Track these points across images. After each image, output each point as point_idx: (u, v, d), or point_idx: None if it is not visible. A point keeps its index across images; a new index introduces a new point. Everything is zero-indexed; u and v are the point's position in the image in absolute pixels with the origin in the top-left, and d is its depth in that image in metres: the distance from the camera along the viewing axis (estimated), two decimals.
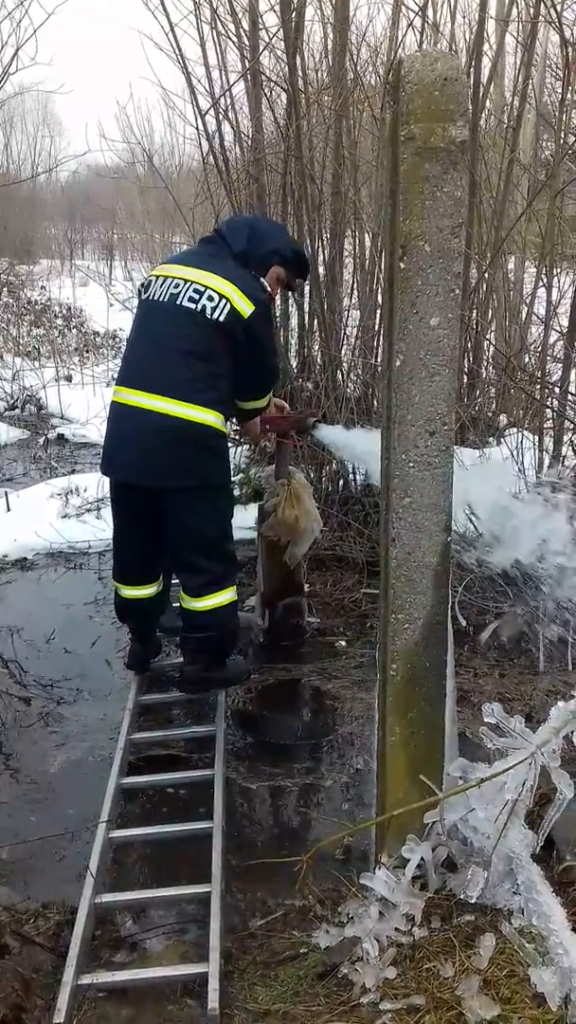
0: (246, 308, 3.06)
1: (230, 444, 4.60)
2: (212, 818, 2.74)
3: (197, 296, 3.07)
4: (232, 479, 3.34)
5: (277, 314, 3.78)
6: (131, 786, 3.05)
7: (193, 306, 3.06)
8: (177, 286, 3.12)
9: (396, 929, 2.09)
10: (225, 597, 3.30)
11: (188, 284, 3.11)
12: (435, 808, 2.12)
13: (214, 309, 3.05)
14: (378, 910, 2.14)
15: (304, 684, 3.78)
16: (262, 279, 3.27)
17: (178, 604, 3.41)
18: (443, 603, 2.21)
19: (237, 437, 5.61)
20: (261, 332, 3.15)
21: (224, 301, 3.05)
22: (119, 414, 3.17)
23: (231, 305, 3.05)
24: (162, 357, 3.10)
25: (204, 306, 3.05)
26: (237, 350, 3.11)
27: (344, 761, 3.24)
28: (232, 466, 3.34)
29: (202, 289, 3.08)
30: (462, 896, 2.12)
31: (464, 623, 4.06)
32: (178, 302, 3.09)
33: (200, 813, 2.86)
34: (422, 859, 2.15)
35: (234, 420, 3.51)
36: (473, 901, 2.10)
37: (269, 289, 3.30)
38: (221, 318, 3.04)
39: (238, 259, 3.23)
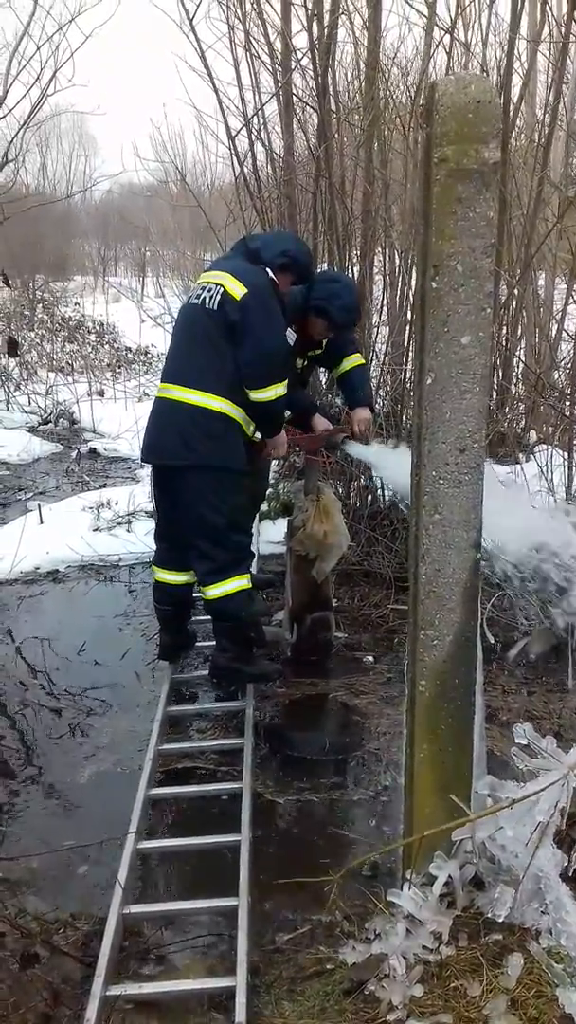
0: (238, 290, 3.25)
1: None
2: (239, 831, 2.75)
3: (203, 291, 3.36)
4: (245, 468, 3.39)
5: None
6: (159, 797, 3.07)
7: (198, 301, 3.36)
8: (197, 288, 3.46)
9: (423, 947, 2.09)
10: (232, 586, 3.41)
11: (201, 285, 3.43)
12: (464, 826, 2.12)
13: (211, 299, 3.31)
14: (405, 927, 2.14)
15: (331, 699, 3.79)
16: (268, 271, 3.40)
17: None
18: (473, 620, 2.21)
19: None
20: (255, 315, 3.25)
21: (219, 288, 3.30)
22: (153, 406, 3.51)
23: (224, 290, 3.28)
24: (179, 351, 3.45)
25: (205, 299, 3.33)
26: (233, 334, 3.26)
27: (371, 777, 3.24)
28: (243, 454, 3.40)
29: (207, 285, 3.37)
30: (490, 915, 2.11)
31: (492, 640, 4.04)
32: (192, 300, 3.42)
33: (227, 826, 2.86)
34: (450, 876, 2.15)
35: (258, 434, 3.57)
36: (501, 920, 2.09)
37: (275, 280, 3.40)
38: (216, 306, 3.29)
39: (249, 257, 3.44)
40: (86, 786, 3.24)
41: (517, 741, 2.20)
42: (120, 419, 8.91)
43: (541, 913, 2.08)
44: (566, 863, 2.11)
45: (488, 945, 2.07)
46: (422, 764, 2.26)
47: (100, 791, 3.21)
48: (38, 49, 7.62)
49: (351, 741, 3.49)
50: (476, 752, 2.29)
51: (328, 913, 2.44)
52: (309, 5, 4.93)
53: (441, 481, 2.14)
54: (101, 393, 10.57)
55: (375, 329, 5.63)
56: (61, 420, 9.78)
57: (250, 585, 3.51)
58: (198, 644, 4.03)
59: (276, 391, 3.35)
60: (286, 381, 3.40)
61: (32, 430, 9.31)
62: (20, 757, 3.44)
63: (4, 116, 7.91)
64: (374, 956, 2.13)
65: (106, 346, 14.28)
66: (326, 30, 4.94)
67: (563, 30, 5.30)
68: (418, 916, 2.13)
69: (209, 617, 3.67)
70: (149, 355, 13.11)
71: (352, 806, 3.09)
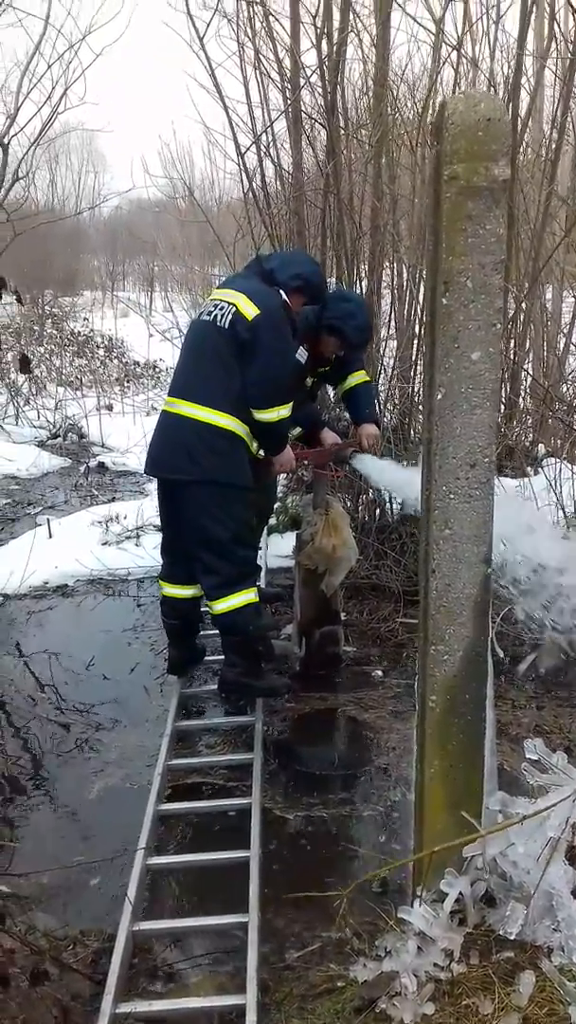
0: (250, 311, 3.27)
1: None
2: (249, 847, 2.75)
3: (214, 309, 3.38)
4: (250, 484, 3.40)
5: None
6: (169, 813, 3.07)
7: (209, 318, 3.37)
8: (208, 305, 3.46)
9: (434, 964, 2.08)
10: (239, 600, 3.42)
11: (213, 301, 3.44)
12: (475, 842, 2.11)
13: (223, 317, 3.32)
14: (416, 944, 2.13)
15: (340, 714, 3.78)
16: (281, 292, 3.42)
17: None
18: (483, 635, 2.21)
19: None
20: (266, 336, 3.27)
21: (231, 307, 3.32)
22: (159, 420, 3.52)
23: (236, 309, 3.29)
24: (187, 366, 3.47)
25: (216, 316, 3.34)
26: (243, 353, 3.28)
27: (381, 792, 3.23)
28: (248, 471, 3.41)
29: (219, 302, 3.39)
30: (501, 932, 2.09)
31: (502, 654, 4.02)
32: (203, 316, 3.43)
33: (237, 841, 2.86)
34: (461, 893, 2.14)
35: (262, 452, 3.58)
36: (513, 937, 2.07)
37: (288, 302, 3.43)
38: (227, 324, 3.30)
39: (263, 277, 3.47)
40: (95, 801, 3.24)
41: (528, 756, 2.20)
42: (128, 433, 8.94)
43: (553, 931, 2.06)
44: None
45: (500, 963, 2.05)
46: (432, 779, 2.25)
47: (109, 806, 3.20)
48: (49, 68, 7.68)
49: (360, 756, 3.48)
50: (487, 767, 2.28)
51: (338, 930, 2.43)
52: (319, 24, 4.98)
53: (452, 496, 2.14)
54: (110, 407, 10.61)
55: (383, 343, 5.64)
56: (70, 434, 9.81)
57: (257, 599, 3.51)
58: (207, 658, 4.03)
59: (280, 412, 3.37)
60: (291, 403, 3.42)
61: (41, 444, 9.33)
62: (29, 772, 3.44)
63: (16, 134, 7.97)
64: (385, 974, 2.12)
65: (114, 360, 14.33)
66: (335, 48, 4.98)
67: (571, 46, 5.33)
68: (429, 933, 2.12)
69: (217, 631, 3.67)
70: (157, 369, 13.16)
71: (362, 821, 3.08)
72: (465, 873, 2.15)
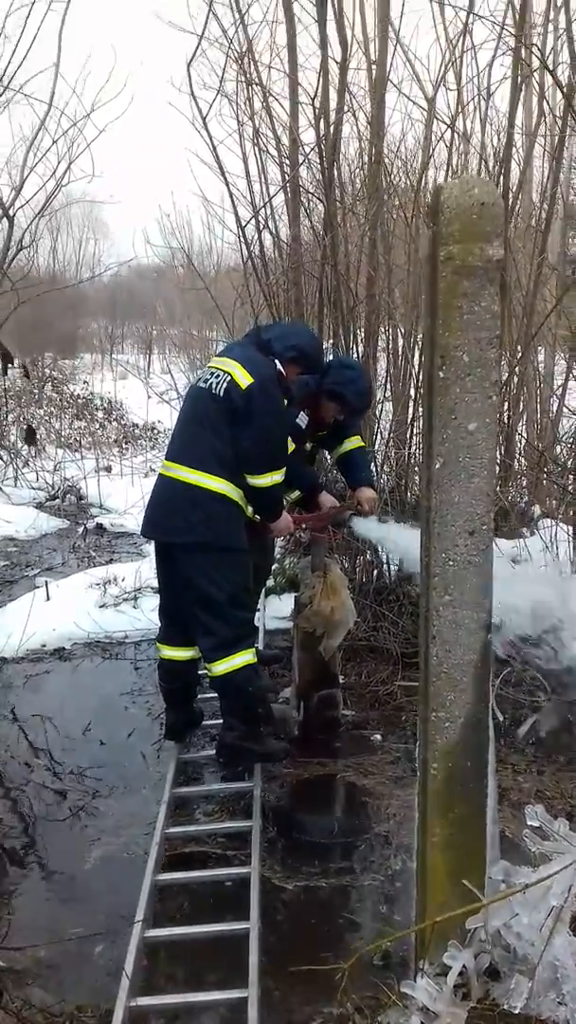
0: (244, 380, 3.34)
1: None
2: (248, 917, 2.70)
3: (210, 377, 3.46)
4: (245, 547, 3.44)
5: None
6: (167, 883, 3.02)
7: (205, 386, 3.45)
8: (206, 372, 3.54)
9: None
10: (237, 662, 3.43)
11: (210, 369, 3.52)
12: (478, 913, 2.08)
13: (218, 385, 3.40)
14: (420, 1020, 2.09)
15: (340, 780, 3.74)
16: (276, 362, 3.50)
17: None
18: (484, 701, 2.22)
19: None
20: (259, 405, 3.34)
21: (226, 376, 3.39)
22: (156, 483, 3.58)
23: (231, 378, 3.37)
24: (183, 431, 3.53)
25: (212, 384, 3.42)
26: (237, 420, 3.35)
27: (381, 861, 3.18)
28: (243, 534, 3.45)
29: (215, 371, 3.46)
30: (506, 1006, 2.06)
31: (501, 717, 4.01)
32: (199, 384, 3.53)
33: (236, 911, 2.81)
34: (464, 966, 2.11)
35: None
36: (517, 1011, 2.04)
37: (283, 372, 3.51)
38: (222, 392, 3.37)
39: (260, 347, 3.56)
40: (91, 872, 3.19)
41: (529, 823, 2.19)
42: (127, 494, 8.99)
43: (558, 1004, 2.03)
44: None
45: None
46: (434, 849, 2.24)
47: (106, 877, 3.15)
48: (54, 143, 7.98)
49: (360, 823, 3.44)
50: (489, 835, 2.27)
51: (339, 1005, 2.38)
52: (317, 104, 5.18)
53: (451, 563, 2.17)
54: (108, 469, 10.69)
55: (379, 405, 5.75)
56: (68, 496, 9.86)
57: (255, 660, 3.52)
58: (204, 723, 4.00)
59: (273, 478, 3.43)
60: (283, 469, 3.47)
61: (39, 506, 9.38)
62: (24, 841, 3.39)
63: (22, 207, 8.22)
64: None
65: (113, 423, 14.49)
66: (331, 127, 5.18)
67: (559, 123, 5.55)
68: (433, 1008, 2.09)
69: (215, 695, 3.66)
70: (155, 431, 13.30)
71: (362, 892, 3.03)
72: (468, 945, 2.13)
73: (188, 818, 3.48)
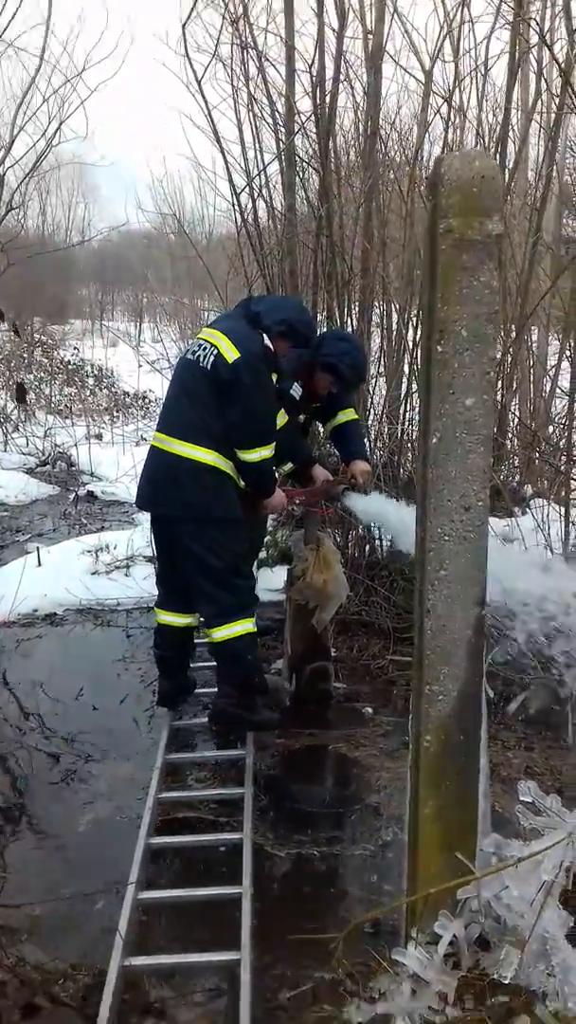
0: (231, 354, 3.34)
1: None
2: (240, 882, 2.74)
3: (198, 349, 3.46)
4: (240, 516, 3.47)
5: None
6: (159, 847, 3.06)
7: (193, 357, 3.46)
8: (194, 344, 3.55)
9: (429, 1007, 2.08)
10: (237, 629, 3.47)
11: (198, 341, 3.52)
12: (469, 885, 2.12)
13: (205, 358, 3.40)
14: (410, 987, 2.13)
15: (331, 751, 3.78)
16: (264, 336, 3.48)
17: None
18: (477, 675, 2.24)
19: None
20: (246, 378, 3.33)
21: (213, 349, 3.39)
22: (148, 454, 3.59)
23: (218, 351, 3.37)
24: (173, 403, 3.54)
25: (200, 356, 3.43)
26: (224, 394, 3.35)
27: (372, 832, 3.23)
28: (236, 504, 3.48)
29: (203, 342, 3.46)
30: (496, 976, 2.10)
31: (491, 694, 4.05)
32: (188, 355, 3.53)
33: (228, 876, 2.86)
34: (454, 936, 2.15)
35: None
36: (507, 982, 2.08)
37: (271, 347, 3.49)
38: (209, 365, 3.38)
39: (250, 319, 3.53)
40: (84, 834, 3.22)
41: (521, 798, 2.22)
42: (118, 462, 8.97)
43: (547, 975, 2.07)
44: (572, 924, 2.11)
45: (494, 1007, 2.06)
46: (426, 821, 2.27)
47: (99, 839, 3.19)
48: (44, 101, 7.81)
49: (351, 794, 3.48)
50: (480, 809, 2.30)
51: (331, 970, 2.42)
52: (313, 72, 5.10)
53: (446, 538, 2.18)
54: (99, 436, 10.64)
55: (373, 379, 5.73)
56: (59, 462, 9.82)
57: (255, 629, 3.55)
58: (197, 691, 4.03)
59: (261, 453, 3.44)
60: (273, 444, 3.48)
61: (30, 472, 9.33)
62: (18, 804, 3.41)
63: (11, 167, 8.06)
64: (379, 1016, 2.12)
65: (104, 390, 14.39)
66: (328, 96, 5.10)
67: (555, 100, 5.49)
68: (423, 976, 2.13)
69: (208, 664, 3.68)
70: (146, 400, 13.23)
71: (353, 861, 3.07)
72: (459, 915, 2.16)
73: (180, 784, 3.52)
